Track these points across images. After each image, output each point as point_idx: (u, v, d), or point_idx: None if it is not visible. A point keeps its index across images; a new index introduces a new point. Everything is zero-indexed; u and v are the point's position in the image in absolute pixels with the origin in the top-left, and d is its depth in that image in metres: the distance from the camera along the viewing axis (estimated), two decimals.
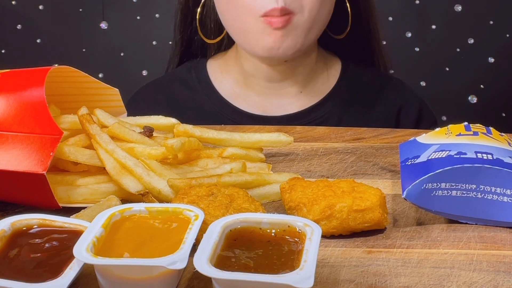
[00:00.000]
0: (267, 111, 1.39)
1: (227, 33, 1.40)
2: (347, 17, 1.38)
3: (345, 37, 1.40)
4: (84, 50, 2.21)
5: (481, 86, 2.14)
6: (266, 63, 1.35)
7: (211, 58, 1.46)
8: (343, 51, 1.45)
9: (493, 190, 0.86)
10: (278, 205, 0.94)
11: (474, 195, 0.86)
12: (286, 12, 1.23)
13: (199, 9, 1.40)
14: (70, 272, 0.70)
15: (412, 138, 0.99)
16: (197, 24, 1.41)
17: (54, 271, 0.70)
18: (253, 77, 1.39)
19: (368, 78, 1.44)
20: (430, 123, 1.43)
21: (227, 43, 1.44)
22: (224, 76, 1.42)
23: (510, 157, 0.88)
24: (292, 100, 1.39)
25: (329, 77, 1.42)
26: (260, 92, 1.39)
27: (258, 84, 1.39)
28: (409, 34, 2.14)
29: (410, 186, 0.86)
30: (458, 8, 2.11)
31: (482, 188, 0.86)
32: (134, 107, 1.41)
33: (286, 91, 1.39)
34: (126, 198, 0.92)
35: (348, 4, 1.37)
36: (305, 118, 1.38)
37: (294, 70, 1.37)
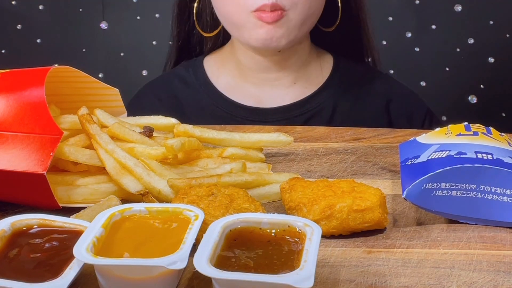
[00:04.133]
0: (263, 102, 1.41)
1: (223, 28, 1.42)
2: (338, 10, 1.40)
3: (335, 31, 1.42)
4: (84, 50, 2.21)
5: (481, 86, 2.14)
6: (261, 54, 1.38)
7: (207, 55, 1.48)
8: (334, 46, 1.48)
9: (493, 190, 0.86)
10: (278, 205, 0.94)
11: (474, 195, 0.86)
12: (277, 8, 1.26)
13: (195, 4, 1.42)
14: (70, 272, 0.70)
15: (412, 138, 0.99)
16: (194, 18, 1.43)
17: (54, 271, 0.70)
18: (248, 69, 1.41)
19: (358, 71, 1.47)
20: (423, 113, 1.45)
21: (223, 38, 1.46)
22: (221, 71, 1.45)
23: (510, 157, 0.88)
24: (287, 91, 1.41)
25: (322, 69, 1.44)
26: (256, 83, 1.41)
27: (253, 76, 1.41)
28: (409, 34, 2.14)
29: (410, 186, 0.86)
30: (458, 8, 2.10)
31: (482, 188, 0.86)
32: (137, 106, 1.43)
33: (281, 83, 1.41)
34: (126, 198, 0.92)
35: None
36: (300, 109, 1.40)
37: (288, 60, 1.40)
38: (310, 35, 1.43)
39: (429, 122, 1.43)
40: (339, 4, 1.40)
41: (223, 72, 1.44)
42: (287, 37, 1.30)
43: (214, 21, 1.43)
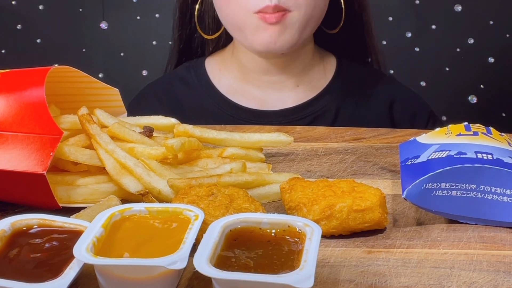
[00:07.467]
0: (265, 105, 1.40)
1: (224, 30, 1.41)
2: (342, 12, 1.39)
3: (339, 33, 1.42)
4: (84, 50, 2.21)
5: (481, 86, 2.14)
6: (264, 56, 1.37)
7: (209, 57, 1.47)
8: (337, 48, 1.47)
9: (493, 190, 0.86)
10: (278, 205, 0.94)
11: (474, 195, 0.86)
12: (280, 9, 1.26)
13: (197, 6, 1.42)
14: (70, 272, 0.70)
15: (412, 138, 0.99)
16: (196, 21, 1.42)
17: (54, 271, 0.70)
18: (251, 71, 1.40)
19: (361, 73, 1.47)
20: (427, 115, 1.45)
21: (225, 40, 1.46)
22: (223, 73, 1.44)
23: (510, 157, 0.88)
24: (290, 94, 1.41)
25: (326, 71, 1.44)
26: (258, 86, 1.41)
27: (256, 79, 1.40)
28: (409, 34, 2.14)
29: (410, 186, 0.86)
30: (458, 8, 2.10)
31: (482, 188, 0.86)
32: (138, 107, 1.43)
33: (284, 85, 1.41)
34: (126, 198, 0.92)
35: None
36: (302, 112, 1.39)
37: (291, 63, 1.39)
38: (313, 37, 1.42)
39: (432, 124, 1.43)
40: (343, 6, 1.39)
41: (225, 74, 1.44)
42: (290, 40, 1.29)
43: (216, 24, 1.43)
